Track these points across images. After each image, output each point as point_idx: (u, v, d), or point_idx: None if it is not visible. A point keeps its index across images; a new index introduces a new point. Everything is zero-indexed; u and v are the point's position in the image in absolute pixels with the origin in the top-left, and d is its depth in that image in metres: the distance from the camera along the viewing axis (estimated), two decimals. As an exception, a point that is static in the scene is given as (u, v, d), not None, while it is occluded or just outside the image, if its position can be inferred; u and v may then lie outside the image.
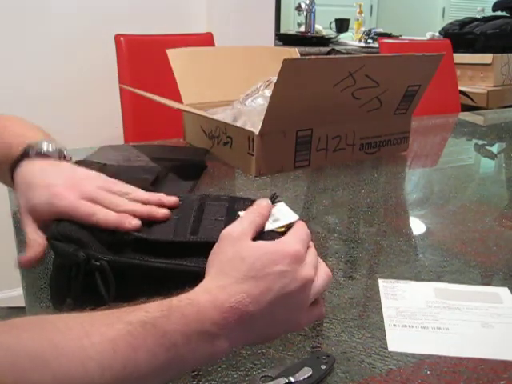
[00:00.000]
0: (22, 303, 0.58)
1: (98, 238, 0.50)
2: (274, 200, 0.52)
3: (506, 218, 0.83)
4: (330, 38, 2.76)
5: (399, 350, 0.48)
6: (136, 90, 1.15)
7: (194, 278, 0.42)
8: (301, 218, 0.50)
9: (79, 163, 0.97)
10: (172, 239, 0.50)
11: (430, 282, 0.61)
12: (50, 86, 1.80)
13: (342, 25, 3.05)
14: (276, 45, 2.30)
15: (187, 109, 1.05)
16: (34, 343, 0.35)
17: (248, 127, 0.96)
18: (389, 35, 2.93)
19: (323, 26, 2.96)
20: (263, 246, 0.43)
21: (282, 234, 0.47)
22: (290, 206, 0.52)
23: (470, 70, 2.50)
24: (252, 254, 0.42)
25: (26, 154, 0.58)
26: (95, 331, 0.36)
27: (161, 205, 0.54)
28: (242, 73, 1.23)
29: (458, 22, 2.83)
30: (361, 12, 3.21)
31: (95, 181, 0.56)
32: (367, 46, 2.76)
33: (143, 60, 1.64)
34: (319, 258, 0.47)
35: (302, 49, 2.21)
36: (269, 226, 0.48)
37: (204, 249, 0.46)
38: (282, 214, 0.50)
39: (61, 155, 0.61)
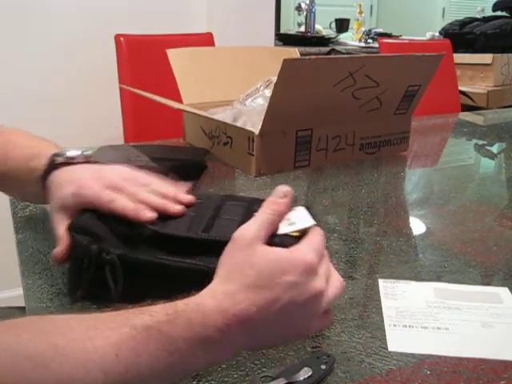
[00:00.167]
0: (22, 303, 0.58)
1: (115, 232, 0.51)
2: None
3: (506, 218, 0.83)
4: (330, 38, 2.76)
5: (399, 350, 0.48)
6: (136, 90, 1.15)
7: (203, 277, 0.42)
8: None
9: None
10: (181, 234, 0.50)
11: (430, 281, 0.61)
12: (50, 85, 1.80)
13: (342, 25, 3.05)
14: (276, 45, 2.30)
15: (187, 109, 1.04)
16: (34, 344, 0.35)
17: (248, 127, 0.96)
18: (389, 35, 2.93)
19: (323, 26, 2.96)
20: (275, 253, 0.41)
21: (296, 238, 0.45)
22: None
23: (470, 70, 2.50)
24: (262, 261, 0.40)
25: (53, 162, 0.60)
26: (99, 334, 0.36)
27: (176, 201, 0.55)
28: (242, 73, 1.23)
29: (458, 21, 2.83)
30: (361, 12, 3.21)
31: (120, 172, 0.58)
32: (367, 45, 2.76)
33: (143, 60, 1.64)
34: (332, 266, 0.45)
35: (302, 49, 2.21)
36: (283, 229, 0.46)
37: (216, 247, 0.45)
38: (299, 218, 0.48)
39: (87, 159, 0.63)
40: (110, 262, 0.49)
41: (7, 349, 0.34)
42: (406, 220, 0.83)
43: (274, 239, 0.44)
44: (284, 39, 2.60)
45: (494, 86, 2.45)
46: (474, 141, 1.41)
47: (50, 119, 1.79)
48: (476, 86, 2.47)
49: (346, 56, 1.09)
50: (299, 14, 3.01)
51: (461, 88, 2.23)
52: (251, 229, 0.42)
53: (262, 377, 0.44)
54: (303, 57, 0.90)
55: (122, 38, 1.61)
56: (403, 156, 1.13)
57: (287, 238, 0.45)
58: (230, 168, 1.00)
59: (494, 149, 1.36)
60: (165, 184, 0.58)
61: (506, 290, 0.59)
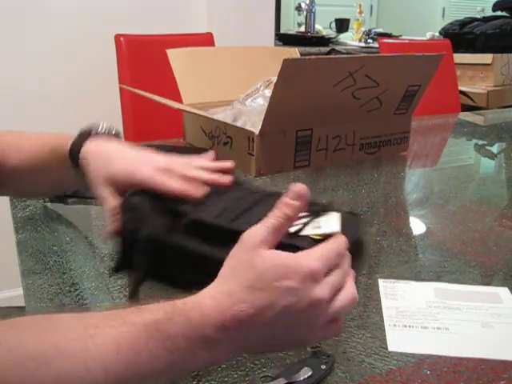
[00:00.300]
0: (22, 303, 0.58)
1: (161, 215, 0.54)
2: (325, 209, 0.50)
3: (506, 218, 0.83)
4: (330, 38, 2.76)
5: (399, 350, 0.48)
6: (136, 90, 1.15)
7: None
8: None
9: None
10: (211, 221, 0.52)
11: (430, 281, 0.61)
12: (50, 85, 1.80)
13: (342, 25, 3.05)
14: (276, 45, 2.30)
15: (187, 109, 1.05)
16: (34, 343, 0.35)
17: (248, 127, 0.96)
18: (389, 35, 2.93)
19: (323, 26, 2.96)
20: (277, 256, 0.40)
21: (316, 242, 0.44)
22: None
23: (470, 70, 2.50)
24: (263, 264, 0.40)
25: (86, 135, 0.65)
26: (99, 332, 0.36)
27: (222, 174, 0.59)
28: (242, 73, 1.23)
29: (458, 21, 2.83)
30: (361, 12, 3.21)
31: (163, 157, 0.61)
32: (367, 45, 2.76)
33: (143, 60, 1.64)
34: (350, 279, 0.43)
35: (302, 49, 2.21)
36: (306, 231, 0.46)
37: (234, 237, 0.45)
38: (327, 223, 0.47)
39: (118, 134, 0.67)
40: (142, 241, 0.51)
41: (9, 348, 0.34)
42: (406, 220, 0.83)
43: (293, 239, 0.44)
44: (284, 39, 2.60)
45: (494, 86, 2.45)
46: (474, 141, 1.41)
47: (49, 119, 1.79)
48: (476, 86, 2.47)
49: (345, 56, 1.09)
50: (299, 14, 3.00)
51: (461, 88, 2.23)
52: (259, 232, 0.41)
53: (262, 377, 0.44)
54: (303, 57, 0.90)
55: (121, 38, 1.61)
56: (403, 156, 1.13)
57: (306, 240, 0.45)
58: (229, 168, 1.00)
59: (494, 149, 1.36)
60: (204, 160, 0.62)
61: (506, 290, 0.59)
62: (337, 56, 2.04)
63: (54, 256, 0.65)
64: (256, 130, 0.92)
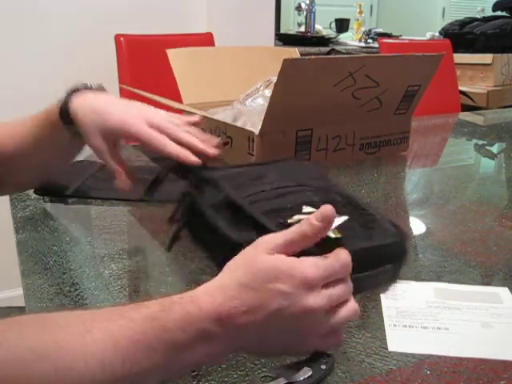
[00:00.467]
0: (22, 303, 0.58)
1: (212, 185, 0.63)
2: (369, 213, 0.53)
3: (506, 218, 0.83)
4: (330, 38, 2.76)
5: (399, 350, 0.48)
6: (136, 90, 1.15)
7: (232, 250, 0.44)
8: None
9: (79, 163, 0.97)
10: (241, 203, 0.58)
11: (430, 281, 0.61)
12: (50, 86, 1.80)
13: (342, 25, 3.05)
14: (276, 45, 2.30)
15: (187, 109, 1.05)
16: (35, 338, 0.36)
17: (248, 127, 0.96)
18: (389, 35, 2.93)
19: (323, 26, 2.96)
20: (277, 259, 0.40)
21: (337, 240, 0.44)
22: None
23: (470, 70, 2.50)
24: (261, 264, 0.40)
25: (73, 91, 0.67)
26: (96, 327, 0.37)
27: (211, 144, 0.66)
28: (242, 73, 1.23)
29: (458, 21, 2.83)
30: (361, 12, 3.21)
31: (151, 109, 0.66)
32: (367, 45, 2.76)
33: (143, 60, 1.64)
34: (351, 297, 0.43)
35: (302, 49, 2.21)
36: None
37: (259, 229, 0.46)
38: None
39: (104, 89, 0.70)
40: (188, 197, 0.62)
41: (8, 348, 0.35)
42: (406, 220, 0.83)
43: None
44: (284, 39, 2.60)
45: (494, 86, 2.45)
46: (474, 141, 1.41)
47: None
48: (476, 86, 2.47)
49: (346, 56, 1.09)
50: (299, 14, 3.01)
51: (461, 88, 2.23)
52: (273, 240, 0.41)
53: (262, 377, 0.44)
54: (303, 57, 0.90)
55: (121, 38, 1.61)
56: (403, 156, 1.13)
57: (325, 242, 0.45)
58: (230, 168, 1.00)
59: (494, 149, 1.36)
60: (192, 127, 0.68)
61: (506, 289, 0.59)
62: (337, 56, 2.05)
63: (54, 256, 0.65)
64: (256, 130, 0.92)
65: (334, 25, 3.08)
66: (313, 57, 0.87)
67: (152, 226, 0.77)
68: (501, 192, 0.99)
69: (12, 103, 1.73)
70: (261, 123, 0.91)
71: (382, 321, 0.53)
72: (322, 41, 2.68)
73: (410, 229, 0.80)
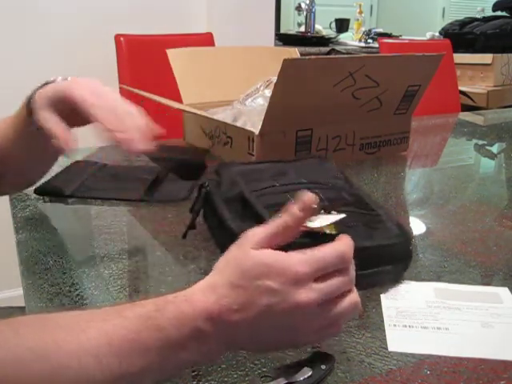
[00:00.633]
0: (22, 303, 0.58)
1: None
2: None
3: (506, 218, 0.83)
4: (330, 38, 2.76)
5: (399, 350, 0.48)
6: (136, 90, 1.15)
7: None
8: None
9: (79, 163, 0.97)
10: (247, 196, 0.62)
11: (430, 282, 0.61)
12: (50, 85, 1.80)
13: (342, 25, 3.05)
14: (276, 45, 2.30)
15: (187, 109, 1.05)
16: (35, 338, 0.36)
17: (248, 127, 0.96)
18: (389, 35, 2.93)
19: (323, 26, 2.96)
20: (263, 255, 0.40)
21: (333, 237, 0.43)
22: None
23: (470, 70, 2.50)
24: (249, 261, 0.40)
25: (40, 85, 0.68)
26: (92, 326, 0.37)
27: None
28: (242, 73, 1.23)
29: (458, 21, 2.83)
30: (361, 12, 3.21)
31: (101, 87, 0.67)
32: (367, 45, 2.76)
33: (143, 60, 1.64)
34: (353, 288, 0.42)
35: (302, 49, 2.21)
36: (314, 224, 0.47)
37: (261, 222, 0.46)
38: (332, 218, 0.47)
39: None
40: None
41: (8, 341, 0.35)
42: (406, 220, 0.83)
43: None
44: (284, 39, 2.60)
45: (494, 86, 2.45)
46: (474, 141, 1.41)
47: (49, 119, 1.79)
48: (476, 86, 2.47)
49: (346, 56, 1.09)
50: (299, 14, 3.01)
51: (461, 88, 2.23)
52: (257, 233, 0.41)
53: (262, 377, 0.44)
54: (303, 57, 0.90)
55: (121, 38, 1.61)
56: (403, 156, 1.13)
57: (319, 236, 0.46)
58: (230, 168, 1.00)
59: (494, 149, 1.36)
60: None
61: (506, 289, 0.59)
62: (337, 56, 2.05)
63: (54, 256, 0.65)
64: (256, 130, 0.92)
65: (334, 25, 3.08)
66: (313, 57, 0.87)
67: (152, 226, 0.77)
68: (501, 192, 0.99)
69: (12, 103, 1.73)
70: (261, 123, 0.91)
71: (382, 321, 0.53)
72: (322, 41, 2.68)
73: (410, 229, 0.80)
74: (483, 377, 0.45)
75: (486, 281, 0.62)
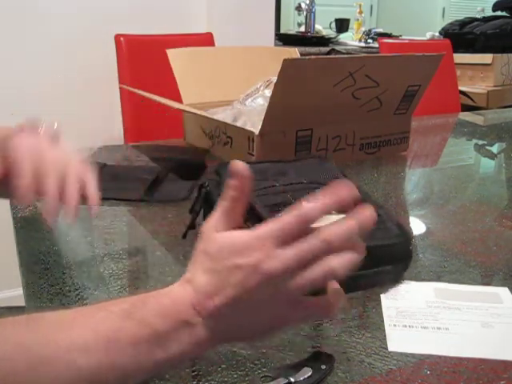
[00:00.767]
0: (22, 303, 0.58)
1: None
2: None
3: (506, 218, 0.83)
4: (330, 38, 2.76)
5: (399, 350, 0.48)
6: (136, 90, 1.15)
7: None
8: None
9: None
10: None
11: (430, 282, 0.61)
12: (50, 85, 1.80)
13: (342, 25, 3.05)
14: (276, 45, 2.30)
15: (187, 109, 1.05)
16: (22, 333, 0.38)
17: (248, 127, 0.96)
18: (389, 35, 2.93)
19: (323, 26, 2.96)
20: (227, 235, 0.40)
21: None
22: None
23: (470, 70, 2.50)
24: (213, 245, 0.40)
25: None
26: (79, 321, 0.39)
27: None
28: (242, 73, 1.23)
29: (458, 21, 2.83)
30: (361, 12, 3.21)
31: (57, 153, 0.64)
32: (367, 45, 2.76)
33: (143, 60, 1.64)
34: (333, 257, 0.38)
35: (302, 49, 2.21)
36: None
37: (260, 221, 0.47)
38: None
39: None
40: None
41: (6, 340, 0.37)
42: (406, 220, 0.83)
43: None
44: (284, 39, 2.60)
45: (494, 86, 2.45)
46: (474, 141, 1.41)
47: (49, 119, 1.79)
48: (476, 86, 2.47)
49: (345, 56, 1.09)
50: (299, 14, 3.01)
51: (461, 88, 2.23)
52: (212, 219, 0.42)
53: (262, 377, 0.44)
54: (303, 57, 0.90)
55: (121, 38, 1.61)
56: (403, 156, 1.13)
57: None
58: (230, 168, 1.00)
59: (494, 149, 1.36)
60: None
61: (506, 290, 0.59)
62: (337, 56, 2.05)
63: (53, 256, 0.65)
64: (256, 130, 0.92)
65: (334, 25, 3.08)
66: (313, 57, 0.88)
67: (152, 226, 0.77)
68: (501, 192, 0.99)
69: (12, 103, 1.73)
70: (261, 123, 0.91)
71: (382, 321, 0.53)
72: (322, 41, 2.68)
73: (410, 229, 0.80)
74: (483, 377, 0.45)
75: (486, 281, 0.62)
